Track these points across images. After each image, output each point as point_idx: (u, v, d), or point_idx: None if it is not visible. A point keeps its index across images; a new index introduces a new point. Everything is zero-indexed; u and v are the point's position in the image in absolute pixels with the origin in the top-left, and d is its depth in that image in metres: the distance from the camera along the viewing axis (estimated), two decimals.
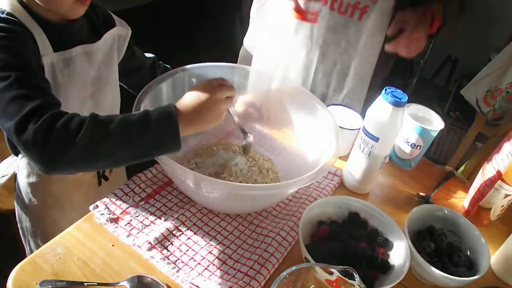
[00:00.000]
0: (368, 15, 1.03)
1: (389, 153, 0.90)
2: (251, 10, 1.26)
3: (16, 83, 0.62)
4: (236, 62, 1.32)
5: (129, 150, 0.63)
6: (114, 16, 0.87)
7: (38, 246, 0.99)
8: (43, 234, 0.96)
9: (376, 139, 0.84)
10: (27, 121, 0.59)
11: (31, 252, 1.00)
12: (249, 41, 1.29)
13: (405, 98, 0.81)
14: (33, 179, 0.89)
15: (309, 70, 1.13)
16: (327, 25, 1.04)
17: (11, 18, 0.68)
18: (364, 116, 1.02)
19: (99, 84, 0.85)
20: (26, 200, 0.93)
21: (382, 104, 0.82)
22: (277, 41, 1.16)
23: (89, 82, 0.83)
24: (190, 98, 0.70)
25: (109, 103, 0.91)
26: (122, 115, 0.64)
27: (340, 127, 0.86)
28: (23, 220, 0.99)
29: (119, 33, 0.87)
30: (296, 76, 1.13)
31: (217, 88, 0.72)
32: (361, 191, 0.93)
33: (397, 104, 0.80)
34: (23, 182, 0.91)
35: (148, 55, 0.98)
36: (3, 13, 0.68)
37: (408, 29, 0.95)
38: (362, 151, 0.87)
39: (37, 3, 0.70)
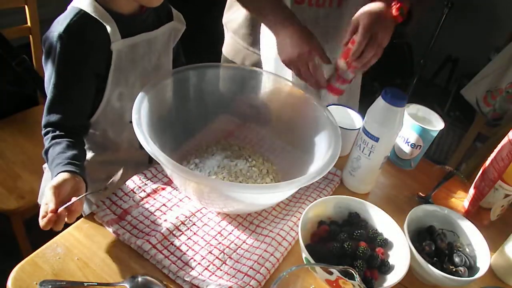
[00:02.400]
0: (346, 1, 1.03)
1: (389, 153, 0.90)
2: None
3: (62, 98, 0.80)
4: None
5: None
6: (174, 11, 0.93)
7: None
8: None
9: (376, 139, 0.84)
10: (45, 127, 0.81)
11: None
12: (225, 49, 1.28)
13: (405, 98, 0.81)
14: (90, 154, 0.95)
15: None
16: (308, 19, 1.02)
17: (85, 16, 0.77)
18: (363, 115, 1.02)
19: (159, 73, 0.92)
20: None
21: (382, 104, 0.82)
22: (264, 40, 1.15)
23: (151, 69, 0.90)
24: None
25: None
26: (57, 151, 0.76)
27: (340, 127, 0.86)
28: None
29: (175, 27, 0.93)
30: (287, 73, 1.13)
31: None
32: (361, 191, 0.93)
33: (397, 104, 0.80)
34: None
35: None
36: (78, 13, 0.77)
37: (360, 30, 0.89)
38: (362, 151, 0.87)
39: (109, 1, 0.79)
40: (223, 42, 1.28)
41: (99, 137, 0.92)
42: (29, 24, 1.40)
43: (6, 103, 1.56)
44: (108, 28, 0.78)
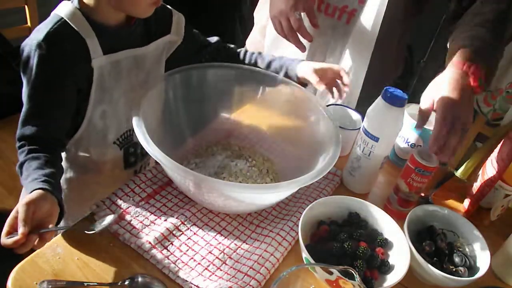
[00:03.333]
0: (356, 19, 1.03)
1: (389, 153, 0.89)
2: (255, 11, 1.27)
3: (36, 111, 0.74)
4: None
5: None
6: (175, 22, 0.88)
7: None
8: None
9: (376, 139, 0.83)
10: (19, 140, 0.75)
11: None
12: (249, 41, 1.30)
13: (405, 98, 0.81)
14: (69, 175, 0.91)
15: None
16: (321, 25, 1.03)
17: (66, 25, 0.72)
18: (363, 115, 1.02)
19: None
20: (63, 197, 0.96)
21: (382, 104, 0.82)
22: (267, 41, 1.16)
23: (137, 85, 0.85)
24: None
25: None
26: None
27: (340, 127, 0.86)
28: None
29: (171, 40, 0.89)
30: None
31: None
32: (361, 191, 0.93)
33: (397, 104, 0.80)
34: (63, 181, 0.92)
35: (212, 38, 0.99)
36: (59, 21, 0.72)
37: (437, 116, 0.78)
38: (362, 151, 0.87)
39: (94, 10, 0.74)
40: (237, 39, 1.30)
41: (81, 158, 0.87)
42: (29, 24, 1.40)
43: (6, 103, 1.55)
44: (89, 43, 0.73)
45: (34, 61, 0.71)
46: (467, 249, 0.79)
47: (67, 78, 0.74)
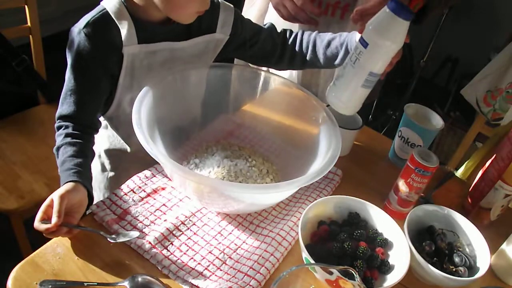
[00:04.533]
0: (350, 13, 1.02)
1: (377, 72, 0.77)
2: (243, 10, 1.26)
3: (72, 92, 0.79)
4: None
5: None
6: (221, 19, 0.88)
7: None
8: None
9: (365, 44, 0.73)
10: (58, 120, 0.81)
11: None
12: None
13: (412, 12, 0.71)
14: (104, 147, 0.97)
15: (298, 70, 1.13)
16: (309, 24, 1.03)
17: (106, 16, 0.77)
18: (362, 116, 1.02)
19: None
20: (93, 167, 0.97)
21: (385, 12, 0.72)
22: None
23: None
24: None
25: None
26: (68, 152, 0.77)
27: (340, 127, 0.85)
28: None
29: (216, 38, 0.89)
30: (287, 77, 1.13)
31: None
32: (340, 109, 0.83)
33: (401, 14, 0.70)
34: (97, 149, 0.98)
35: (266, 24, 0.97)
36: (101, 11, 0.78)
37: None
38: (350, 58, 0.77)
39: (140, 8, 0.79)
40: None
41: (110, 132, 0.94)
42: (29, 24, 1.40)
43: (6, 103, 1.56)
44: (123, 31, 0.78)
45: (74, 46, 0.77)
46: (467, 249, 0.79)
47: (101, 64, 0.80)
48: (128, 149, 0.95)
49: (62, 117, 0.80)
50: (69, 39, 0.79)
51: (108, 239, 0.70)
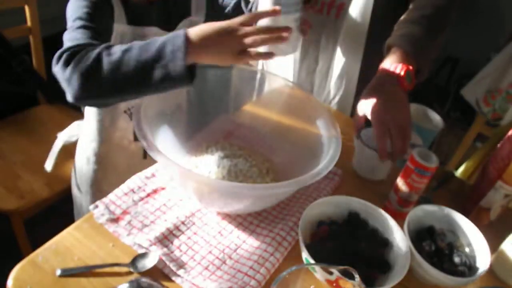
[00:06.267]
0: (345, 12, 1.02)
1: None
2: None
3: (79, 29, 0.72)
4: None
5: (137, 74, 0.66)
6: (194, 1, 0.90)
7: (81, 208, 1.07)
8: (87, 194, 1.04)
9: None
10: (62, 55, 0.68)
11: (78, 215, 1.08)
12: None
13: None
14: (86, 137, 0.97)
15: (292, 69, 1.13)
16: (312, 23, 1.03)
17: None
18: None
19: None
20: (77, 158, 0.99)
21: None
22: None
23: None
24: (207, 25, 0.68)
25: None
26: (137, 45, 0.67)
27: (373, 150, 0.87)
28: (77, 184, 1.06)
29: (192, 20, 0.91)
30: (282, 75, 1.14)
31: (239, 27, 0.67)
32: (280, 53, 0.81)
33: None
34: (80, 141, 0.99)
35: None
36: None
37: (374, 131, 0.82)
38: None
39: None
40: None
41: (93, 126, 0.93)
42: (29, 24, 1.40)
43: (6, 103, 1.56)
44: (115, 8, 0.78)
45: None
46: (467, 249, 0.79)
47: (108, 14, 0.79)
48: (112, 139, 0.95)
49: (77, 46, 0.70)
50: (68, 6, 0.77)
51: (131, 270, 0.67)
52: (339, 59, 1.08)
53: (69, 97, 0.69)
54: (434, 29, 0.92)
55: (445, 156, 2.30)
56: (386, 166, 0.95)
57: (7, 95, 1.71)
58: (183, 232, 0.75)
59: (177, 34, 0.66)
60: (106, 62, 0.66)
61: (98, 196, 0.98)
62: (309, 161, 0.83)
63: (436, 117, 1.00)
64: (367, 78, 1.09)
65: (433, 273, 0.71)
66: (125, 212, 0.76)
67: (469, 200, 0.93)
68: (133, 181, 0.82)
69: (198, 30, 0.67)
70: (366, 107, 0.84)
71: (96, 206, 0.76)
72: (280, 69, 1.14)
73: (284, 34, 0.68)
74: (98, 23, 0.76)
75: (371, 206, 0.79)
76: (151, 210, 0.78)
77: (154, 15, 0.85)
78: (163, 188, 0.83)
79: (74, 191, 1.09)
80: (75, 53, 0.67)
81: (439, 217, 0.83)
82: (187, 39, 0.66)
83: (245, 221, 0.81)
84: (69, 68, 0.66)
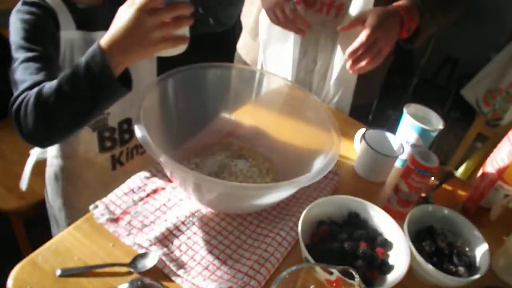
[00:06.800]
0: (344, 12, 1.02)
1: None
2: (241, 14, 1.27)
3: (22, 64, 0.71)
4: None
5: (77, 105, 0.67)
6: None
7: (57, 225, 1.04)
8: (60, 211, 1.01)
9: None
10: (13, 102, 0.70)
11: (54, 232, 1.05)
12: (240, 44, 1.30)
13: None
14: (51, 153, 0.94)
15: (291, 68, 1.13)
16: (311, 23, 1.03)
17: (36, 1, 0.75)
18: (359, 117, 1.02)
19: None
20: (47, 175, 0.97)
21: None
22: (261, 42, 1.16)
23: None
24: (115, 28, 0.66)
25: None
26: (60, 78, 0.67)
27: (378, 152, 0.87)
28: (49, 199, 1.04)
29: None
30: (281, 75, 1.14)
31: (145, 14, 0.64)
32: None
33: None
34: (48, 158, 0.97)
35: None
36: None
37: (365, 29, 0.90)
38: None
39: None
40: (237, 39, 1.30)
41: (57, 145, 0.90)
42: None
43: (6, 103, 1.56)
44: (59, 16, 0.75)
45: (18, 22, 0.74)
46: (467, 249, 0.79)
47: (50, 34, 0.76)
48: (77, 153, 0.92)
49: (27, 88, 0.69)
50: (10, 21, 0.74)
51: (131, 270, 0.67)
52: (338, 59, 1.08)
53: (29, 141, 0.72)
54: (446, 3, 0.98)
55: (445, 156, 2.30)
56: (388, 167, 0.95)
57: (7, 95, 1.71)
58: (183, 232, 0.75)
59: (94, 53, 0.65)
60: (44, 108, 0.66)
61: (73, 214, 0.97)
62: (309, 161, 0.83)
63: (436, 117, 1.00)
64: (366, 79, 1.09)
65: (433, 273, 0.71)
66: (125, 212, 0.76)
67: (469, 200, 0.93)
68: (133, 181, 0.82)
69: (109, 38, 0.66)
70: (371, 14, 0.90)
71: (96, 206, 0.76)
72: (278, 69, 1.14)
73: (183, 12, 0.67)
74: (41, 43, 0.74)
75: (371, 206, 0.79)
76: (151, 210, 0.78)
77: (104, 18, 0.78)
78: (163, 188, 0.83)
79: (49, 208, 1.06)
80: (20, 103, 0.69)
81: (439, 217, 0.83)
82: (103, 52, 0.65)
83: (245, 221, 0.81)
84: (21, 117, 0.69)
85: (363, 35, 0.89)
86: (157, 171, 0.86)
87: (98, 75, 0.64)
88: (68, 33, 0.77)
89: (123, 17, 0.65)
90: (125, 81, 0.68)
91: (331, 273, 0.58)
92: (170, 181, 0.84)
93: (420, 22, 0.95)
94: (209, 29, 0.93)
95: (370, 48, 0.90)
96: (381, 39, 0.89)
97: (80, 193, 0.98)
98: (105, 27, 0.77)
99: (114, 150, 0.97)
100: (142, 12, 0.64)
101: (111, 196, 0.78)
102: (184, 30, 0.71)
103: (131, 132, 0.97)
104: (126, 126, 0.96)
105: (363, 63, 0.92)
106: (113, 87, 0.66)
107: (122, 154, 0.99)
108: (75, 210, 0.98)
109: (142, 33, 0.64)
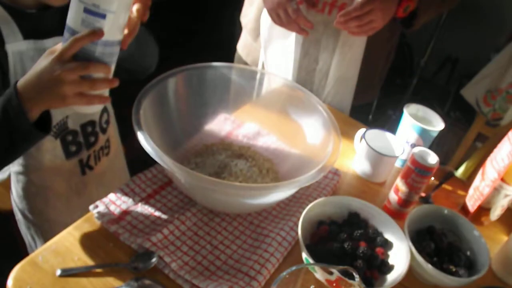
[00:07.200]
0: None
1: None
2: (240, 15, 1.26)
3: None
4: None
5: None
6: None
7: (34, 241, 1.00)
8: (35, 226, 0.97)
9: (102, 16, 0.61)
10: None
11: (31, 248, 1.00)
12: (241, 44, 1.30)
13: None
14: (15, 169, 0.89)
15: (292, 68, 1.13)
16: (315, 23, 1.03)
17: None
18: (358, 117, 1.02)
19: None
20: (15, 192, 0.92)
21: None
22: (262, 41, 1.16)
23: None
24: (31, 73, 0.64)
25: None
26: None
27: (378, 152, 0.87)
28: (19, 215, 1.00)
29: None
30: (282, 75, 1.14)
31: (59, 66, 0.61)
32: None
33: None
34: (12, 175, 0.91)
35: None
36: None
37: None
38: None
39: None
40: (237, 39, 1.30)
41: (21, 159, 0.86)
42: None
43: None
44: (2, 28, 0.71)
45: None
46: (467, 249, 0.79)
47: None
48: (43, 164, 0.87)
49: None
50: None
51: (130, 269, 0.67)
52: (339, 59, 1.08)
53: None
54: None
55: (445, 156, 2.30)
56: (388, 167, 0.95)
57: None
58: (183, 233, 0.75)
59: (11, 95, 0.63)
60: None
61: (52, 227, 0.92)
62: (309, 161, 0.83)
63: (436, 117, 1.00)
64: (367, 79, 1.09)
65: (433, 273, 0.71)
66: (125, 212, 0.76)
67: (469, 200, 0.93)
68: (133, 181, 0.82)
69: (24, 81, 0.64)
70: None
71: (96, 206, 0.76)
72: (280, 68, 1.14)
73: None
74: None
75: (371, 206, 0.79)
76: (151, 210, 0.78)
77: (53, 24, 0.75)
78: (163, 189, 0.83)
79: (22, 227, 1.02)
80: None
81: (439, 217, 0.83)
82: (18, 95, 0.63)
83: (245, 221, 0.81)
84: None
85: (359, 2, 0.90)
86: (157, 171, 0.86)
87: (14, 119, 0.63)
88: (16, 45, 0.73)
89: (40, 63, 0.63)
90: (45, 122, 0.66)
91: (331, 273, 0.58)
92: (170, 181, 0.84)
93: (418, 4, 0.96)
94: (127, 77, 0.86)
95: (363, 15, 0.91)
96: (376, 10, 0.90)
97: (52, 205, 0.93)
98: (55, 33, 0.75)
99: (81, 155, 0.92)
100: (57, 64, 0.61)
101: (111, 196, 0.78)
102: (102, 90, 0.68)
103: (96, 135, 0.93)
104: (90, 128, 0.91)
105: (352, 24, 0.93)
106: (29, 132, 0.65)
107: (90, 157, 0.95)
108: (49, 224, 0.93)
109: (53, 84, 0.62)
